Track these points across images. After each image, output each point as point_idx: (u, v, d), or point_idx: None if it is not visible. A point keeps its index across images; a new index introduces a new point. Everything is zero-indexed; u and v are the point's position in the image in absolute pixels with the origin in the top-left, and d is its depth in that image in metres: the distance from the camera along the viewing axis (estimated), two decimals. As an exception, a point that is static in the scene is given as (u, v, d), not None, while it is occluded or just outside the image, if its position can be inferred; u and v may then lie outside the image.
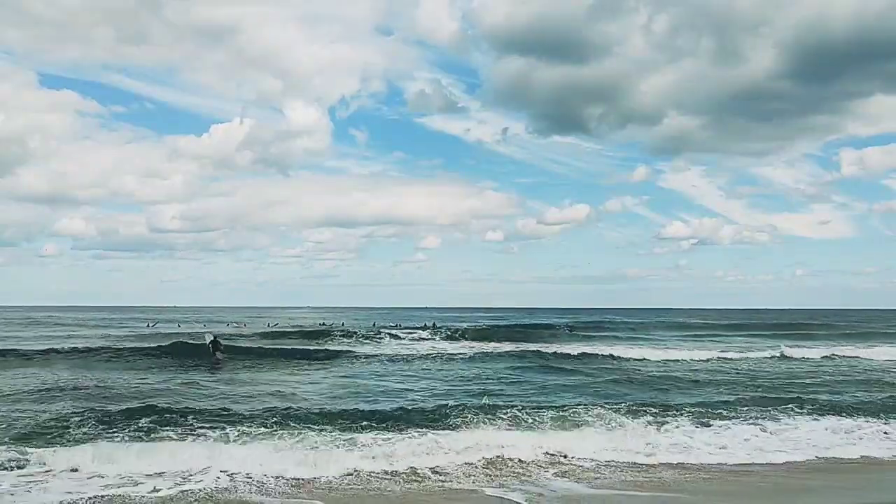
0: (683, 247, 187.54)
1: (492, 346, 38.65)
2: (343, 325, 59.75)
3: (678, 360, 30.53)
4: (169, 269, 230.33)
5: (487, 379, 23.00)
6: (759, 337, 52.40)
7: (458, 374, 24.59)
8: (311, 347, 34.45)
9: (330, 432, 13.27)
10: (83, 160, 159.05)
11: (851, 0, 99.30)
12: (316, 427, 13.56)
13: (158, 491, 10.29)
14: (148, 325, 58.74)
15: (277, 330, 50.71)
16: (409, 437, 13.02)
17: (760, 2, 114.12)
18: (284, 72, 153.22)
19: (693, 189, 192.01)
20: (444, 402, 17.62)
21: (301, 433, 13.09)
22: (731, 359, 31.54)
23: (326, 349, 33.43)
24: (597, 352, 32.90)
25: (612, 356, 31.12)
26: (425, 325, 57.78)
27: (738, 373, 26.19)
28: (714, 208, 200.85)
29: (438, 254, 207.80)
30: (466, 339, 44.68)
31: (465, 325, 58.21)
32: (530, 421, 14.61)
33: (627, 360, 30.36)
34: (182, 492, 10.30)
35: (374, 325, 56.75)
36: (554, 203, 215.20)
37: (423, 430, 13.58)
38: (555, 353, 32.06)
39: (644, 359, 30.63)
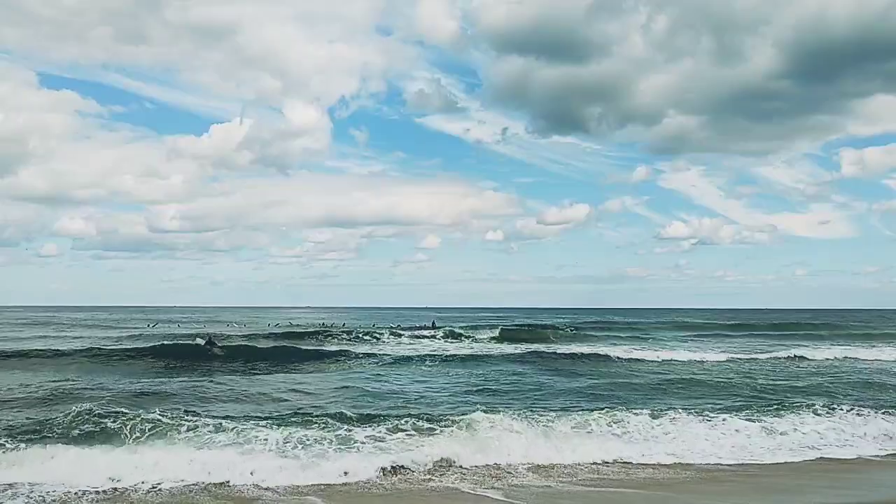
0: (683, 247, 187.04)
1: (493, 347, 38.72)
2: (343, 325, 59.73)
3: (683, 362, 30.27)
4: (169, 269, 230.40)
5: (487, 380, 22.98)
6: (764, 337, 52.15)
7: (458, 373, 24.60)
8: (311, 347, 34.38)
9: (326, 430, 13.28)
10: (83, 160, 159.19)
11: (851, 0, 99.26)
12: (313, 426, 13.58)
13: (159, 485, 10.39)
14: (148, 326, 58.77)
15: (277, 331, 50.55)
16: (404, 436, 13.07)
17: (760, 1, 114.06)
18: (284, 71, 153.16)
19: (693, 189, 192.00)
20: (441, 402, 17.68)
21: (297, 431, 13.10)
22: (738, 360, 31.19)
23: (326, 349, 33.41)
24: (599, 352, 32.76)
25: (616, 357, 30.92)
26: (425, 324, 57.84)
27: (743, 374, 26.01)
28: (714, 208, 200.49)
29: (438, 254, 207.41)
30: (467, 339, 44.71)
31: (465, 324, 58.25)
32: (526, 421, 14.61)
33: (630, 361, 30.16)
34: (185, 486, 10.40)
35: (373, 325, 56.77)
36: (554, 203, 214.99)
37: (419, 429, 13.61)
38: (555, 353, 32.02)
39: (646, 360, 30.38)
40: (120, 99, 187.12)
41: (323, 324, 59.70)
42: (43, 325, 59.84)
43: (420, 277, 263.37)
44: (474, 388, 20.60)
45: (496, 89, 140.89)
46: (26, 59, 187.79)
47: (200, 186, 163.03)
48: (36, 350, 29.80)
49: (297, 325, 59.54)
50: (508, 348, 36.21)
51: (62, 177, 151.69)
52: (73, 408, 14.31)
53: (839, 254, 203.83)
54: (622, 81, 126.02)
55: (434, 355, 30.29)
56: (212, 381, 21.45)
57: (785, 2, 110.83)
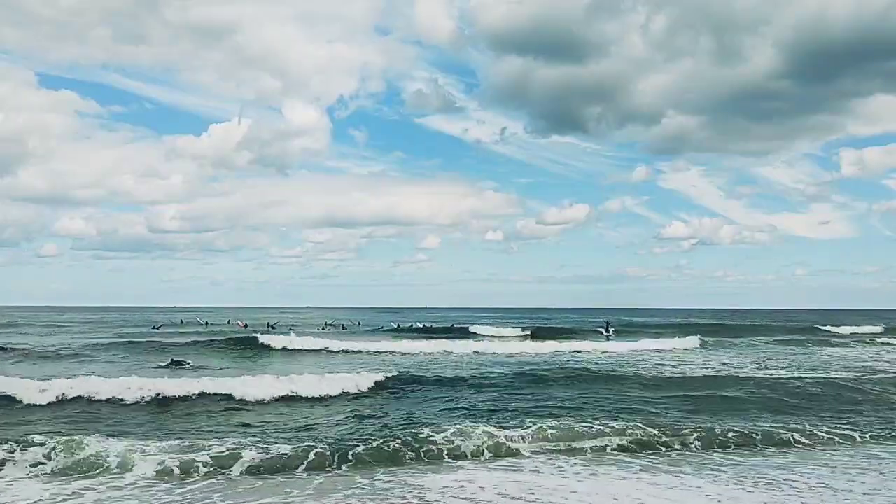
0: (683, 247, 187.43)
1: (498, 353, 34.27)
2: (343, 327, 59.11)
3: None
4: (169, 269, 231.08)
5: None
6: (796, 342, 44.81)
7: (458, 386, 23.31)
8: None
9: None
10: (83, 160, 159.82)
11: (851, 0, 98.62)
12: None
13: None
14: (153, 328, 57.99)
15: (275, 333, 48.96)
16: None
17: (760, 1, 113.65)
18: (283, 71, 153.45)
19: (693, 189, 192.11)
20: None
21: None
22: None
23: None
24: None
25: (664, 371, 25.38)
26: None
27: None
28: (714, 208, 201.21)
29: (438, 254, 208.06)
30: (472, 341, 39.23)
31: (466, 326, 57.65)
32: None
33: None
34: None
35: (372, 326, 56.00)
36: (554, 203, 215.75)
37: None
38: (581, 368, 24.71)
39: (658, 367, 27.35)
40: (119, 99, 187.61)
41: (327, 326, 58.66)
42: (42, 326, 59.25)
43: (420, 277, 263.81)
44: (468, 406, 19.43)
45: (495, 89, 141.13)
46: (26, 59, 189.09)
47: (200, 186, 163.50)
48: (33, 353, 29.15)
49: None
50: (521, 358, 32.36)
51: (62, 177, 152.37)
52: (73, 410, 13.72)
53: (839, 254, 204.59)
54: (621, 81, 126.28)
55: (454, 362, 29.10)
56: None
57: (785, 2, 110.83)
